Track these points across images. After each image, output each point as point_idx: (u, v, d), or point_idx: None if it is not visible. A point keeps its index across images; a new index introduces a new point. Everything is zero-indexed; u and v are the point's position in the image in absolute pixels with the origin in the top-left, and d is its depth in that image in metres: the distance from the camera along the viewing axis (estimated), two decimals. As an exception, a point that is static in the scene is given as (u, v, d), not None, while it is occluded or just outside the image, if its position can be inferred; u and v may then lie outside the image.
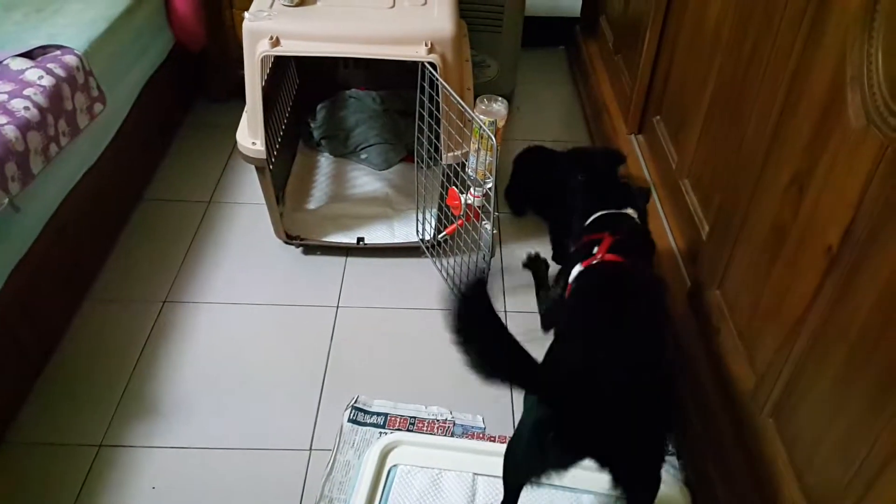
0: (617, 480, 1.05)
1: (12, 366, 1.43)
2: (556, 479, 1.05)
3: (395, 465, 1.35)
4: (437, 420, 1.46)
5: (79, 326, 1.63)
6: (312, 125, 2.17)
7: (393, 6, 1.61)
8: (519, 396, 1.52)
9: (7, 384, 1.42)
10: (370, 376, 1.55)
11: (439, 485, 1.32)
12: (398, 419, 1.46)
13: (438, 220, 1.80)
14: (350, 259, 1.84)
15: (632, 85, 1.98)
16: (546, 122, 2.38)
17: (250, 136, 1.63)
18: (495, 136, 1.45)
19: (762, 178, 1.17)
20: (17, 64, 1.48)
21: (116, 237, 1.86)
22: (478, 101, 1.52)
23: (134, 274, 1.77)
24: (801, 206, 1.04)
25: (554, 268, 1.68)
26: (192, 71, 2.29)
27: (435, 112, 1.58)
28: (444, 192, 1.72)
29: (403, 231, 1.87)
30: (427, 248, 1.84)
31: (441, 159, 1.65)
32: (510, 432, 1.45)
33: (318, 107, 2.21)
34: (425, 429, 1.45)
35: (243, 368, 1.56)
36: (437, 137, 1.62)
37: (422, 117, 1.63)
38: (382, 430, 1.44)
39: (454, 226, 1.68)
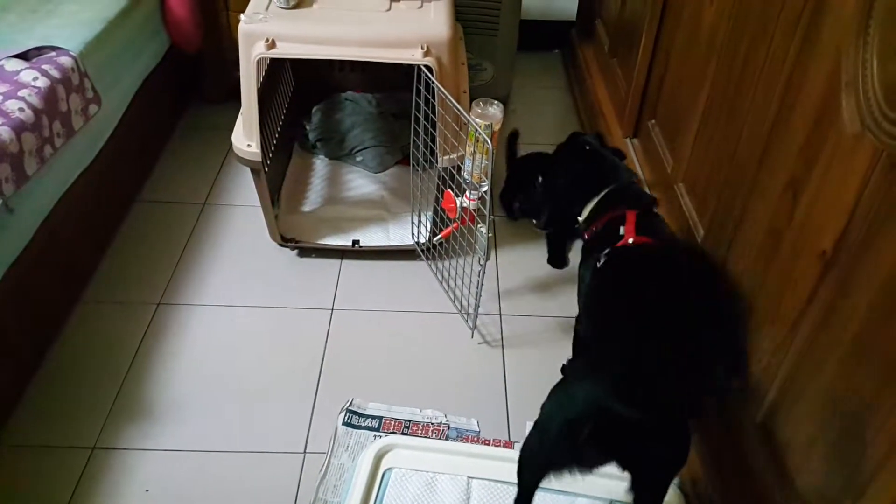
0: (635, 484, 1.04)
1: (5, 367, 1.42)
2: (556, 482, 1.05)
3: (389, 469, 1.34)
4: (432, 423, 1.46)
5: (73, 328, 1.62)
6: (308, 127, 2.17)
7: (389, 9, 1.62)
8: (513, 400, 1.52)
9: (0, 386, 1.42)
10: (365, 379, 1.55)
11: (434, 488, 1.32)
12: (393, 422, 1.46)
13: (434, 223, 1.80)
14: (345, 262, 1.84)
15: (627, 88, 1.98)
16: (542, 125, 2.38)
17: (246, 138, 1.63)
18: (491, 140, 1.45)
19: (757, 182, 1.18)
20: (12, 65, 1.47)
21: (111, 239, 1.86)
22: (473, 104, 1.52)
23: (128, 276, 1.76)
24: (795, 211, 1.05)
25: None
26: (187, 73, 2.28)
27: (431, 115, 1.58)
28: (439, 195, 1.72)
29: (399, 234, 1.87)
30: (422, 251, 1.84)
31: (437, 162, 1.65)
32: (505, 436, 1.45)
33: (314, 109, 2.21)
34: (420, 432, 1.44)
35: (238, 371, 1.56)
36: (433, 140, 1.62)
37: (417, 120, 1.63)
38: (377, 434, 1.43)
39: (449, 229, 1.68)
